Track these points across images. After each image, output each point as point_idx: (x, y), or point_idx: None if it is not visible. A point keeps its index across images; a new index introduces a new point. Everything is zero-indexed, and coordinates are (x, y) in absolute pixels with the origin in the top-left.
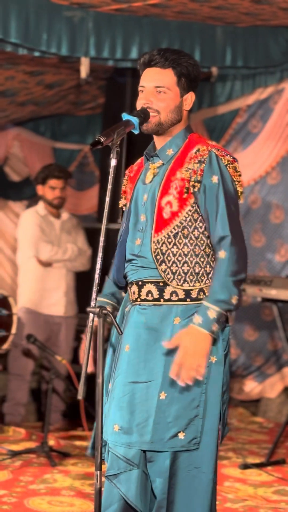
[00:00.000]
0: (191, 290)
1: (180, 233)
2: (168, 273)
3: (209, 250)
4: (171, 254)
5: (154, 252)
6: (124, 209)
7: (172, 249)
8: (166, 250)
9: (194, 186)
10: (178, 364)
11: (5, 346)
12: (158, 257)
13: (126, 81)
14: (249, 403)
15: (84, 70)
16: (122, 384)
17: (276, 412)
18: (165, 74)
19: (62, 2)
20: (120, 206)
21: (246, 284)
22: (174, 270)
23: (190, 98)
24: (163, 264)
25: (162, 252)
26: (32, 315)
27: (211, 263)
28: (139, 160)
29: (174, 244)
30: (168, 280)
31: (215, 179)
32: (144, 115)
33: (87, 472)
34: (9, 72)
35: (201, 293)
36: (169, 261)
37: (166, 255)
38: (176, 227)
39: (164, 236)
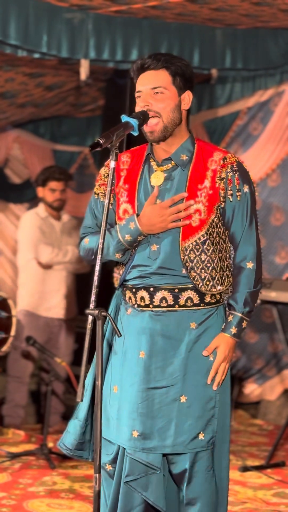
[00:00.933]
0: (206, 295)
1: (208, 240)
2: (197, 280)
3: (226, 254)
4: (199, 261)
5: (183, 259)
6: (110, 207)
7: (201, 256)
8: (195, 257)
9: (232, 196)
10: (216, 369)
11: (5, 348)
12: (187, 264)
13: (126, 83)
14: (249, 405)
15: (84, 72)
16: (138, 390)
17: (276, 414)
18: (160, 75)
19: (62, 4)
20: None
21: None
22: (203, 277)
23: (188, 97)
24: (192, 271)
25: (190, 259)
26: (32, 317)
27: (229, 266)
28: (125, 158)
29: (202, 251)
30: (198, 286)
31: (246, 188)
32: (143, 117)
33: (87, 475)
34: (8, 74)
35: (213, 297)
36: (197, 267)
37: (195, 262)
38: (205, 234)
39: (192, 244)
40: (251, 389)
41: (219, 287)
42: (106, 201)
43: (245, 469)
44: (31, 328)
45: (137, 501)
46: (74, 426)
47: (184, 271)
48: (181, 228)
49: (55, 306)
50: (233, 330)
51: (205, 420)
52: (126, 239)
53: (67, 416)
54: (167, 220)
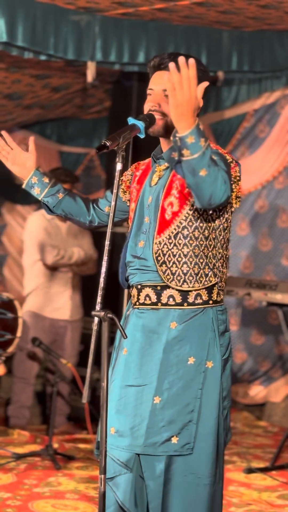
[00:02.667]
0: (189, 292)
1: (180, 233)
2: (168, 274)
3: (208, 251)
4: (171, 255)
5: (156, 253)
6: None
7: (172, 250)
8: (167, 251)
9: None
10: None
11: (11, 349)
12: (159, 258)
13: (133, 85)
14: (254, 407)
15: (90, 74)
16: (118, 387)
17: (281, 416)
18: None
19: (69, 7)
20: (120, 196)
21: (252, 288)
22: (173, 271)
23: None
24: (164, 265)
25: (163, 253)
26: (37, 318)
27: (210, 265)
28: (146, 161)
29: (174, 244)
30: (168, 281)
31: None
32: (149, 120)
33: (92, 476)
34: (15, 75)
35: (198, 298)
36: (169, 262)
37: (166, 256)
38: (176, 227)
39: (166, 237)
40: (257, 391)
41: (192, 284)
42: (112, 203)
43: (250, 471)
44: (37, 329)
45: (113, 500)
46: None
47: (156, 264)
48: (158, 222)
49: (60, 307)
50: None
51: (180, 424)
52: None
53: (72, 417)
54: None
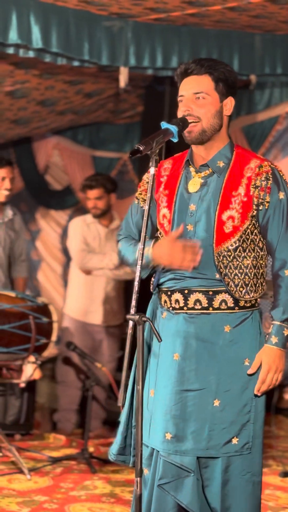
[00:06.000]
0: (243, 299)
1: (240, 247)
2: (231, 286)
3: (262, 262)
4: (232, 267)
5: (217, 265)
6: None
7: (233, 262)
8: (228, 263)
9: (263, 204)
10: (262, 381)
11: (46, 353)
12: (221, 270)
13: (165, 90)
14: None
15: (123, 79)
16: (172, 392)
17: None
18: (203, 80)
19: (102, 13)
20: (142, 206)
21: None
22: (236, 282)
23: (230, 103)
24: (226, 277)
25: (224, 265)
26: (76, 323)
27: (263, 274)
28: (166, 165)
29: (234, 257)
30: (232, 292)
31: (281, 195)
32: (183, 124)
33: (127, 479)
34: (48, 81)
35: (248, 301)
36: (231, 274)
37: (228, 268)
38: (237, 241)
39: (224, 250)
40: None
41: (252, 294)
42: (146, 207)
43: (285, 474)
44: (76, 334)
45: (170, 504)
46: (118, 432)
47: (218, 276)
48: (215, 233)
49: (93, 312)
50: (274, 339)
51: (240, 425)
52: (142, 262)
53: (108, 421)
54: (174, 258)
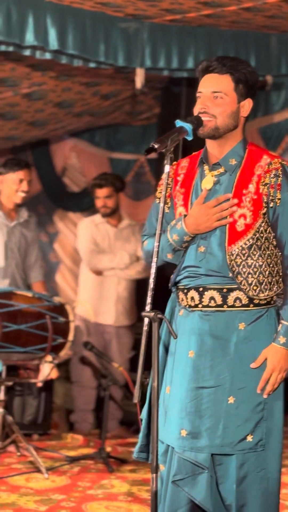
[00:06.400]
0: (257, 298)
1: (254, 245)
2: (244, 284)
3: (276, 259)
4: (246, 266)
5: (230, 264)
6: (166, 210)
7: (247, 261)
8: (241, 262)
9: (273, 201)
10: (265, 380)
11: (63, 353)
12: (233, 269)
13: (181, 91)
14: None
15: (139, 80)
16: (187, 389)
17: None
18: (223, 80)
19: (118, 14)
20: (166, 211)
21: None
22: (250, 281)
23: (247, 105)
24: (239, 276)
25: (237, 264)
26: (86, 323)
27: (279, 272)
28: (183, 163)
29: (249, 255)
30: (245, 291)
31: None
32: (197, 122)
33: (145, 478)
34: (65, 83)
35: (263, 300)
36: (244, 272)
37: (241, 267)
38: (250, 239)
39: (238, 248)
40: None
41: (267, 293)
42: (161, 205)
43: None
44: (86, 334)
45: (184, 501)
46: (141, 430)
47: (230, 274)
48: (227, 232)
49: (105, 313)
50: (282, 339)
51: (254, 422)
52: (174, 239)
53: (125, 422)
54: (211, 219)
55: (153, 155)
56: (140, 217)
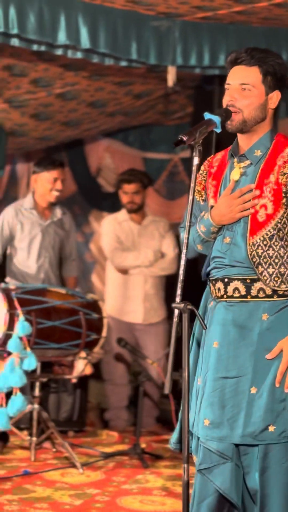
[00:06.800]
0: (279, 289)
1: (276, 235)
2: (265, 275)
3: None
4: (267, 256)
5: (250, 254)
6: (201, 203)
7: (268, 251)
8: (262, 253)
9: None
10: (282, 373)
11: (97, 349)
12: (254, 259)
13: (214, 89)
14: None
15: (171, 78)
16: (212, 379)
17: None
18: (251, 72)
19: (149, 12)
20: (197, 199)
21: None
22: (270, 272)
23: (275, 97)
24: (260, 267)
25: (258, 255)
26: (115, 322)
27: None
28: (219, 156)
29: (270, 246)
30: (266, 282)
31: None
32: (226, 114)
33: (179, 474)
34: (98, 83)
35: (287, 291)
36: (265, 263)
37: (262, 257)
38: (271, 230)
39: (259, 239)
40: None
41: None
42: (190, 197)
43: None
44: (116, 332)
45: (211, 490)
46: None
47: (251, 265)
48: (249, 223)
49: (133, 311)
50: None
51: (276, 413)
52: (202, 230)
53: (161, 419)
54: (234, 211)
55: (186, 154)
56: (174, 216)
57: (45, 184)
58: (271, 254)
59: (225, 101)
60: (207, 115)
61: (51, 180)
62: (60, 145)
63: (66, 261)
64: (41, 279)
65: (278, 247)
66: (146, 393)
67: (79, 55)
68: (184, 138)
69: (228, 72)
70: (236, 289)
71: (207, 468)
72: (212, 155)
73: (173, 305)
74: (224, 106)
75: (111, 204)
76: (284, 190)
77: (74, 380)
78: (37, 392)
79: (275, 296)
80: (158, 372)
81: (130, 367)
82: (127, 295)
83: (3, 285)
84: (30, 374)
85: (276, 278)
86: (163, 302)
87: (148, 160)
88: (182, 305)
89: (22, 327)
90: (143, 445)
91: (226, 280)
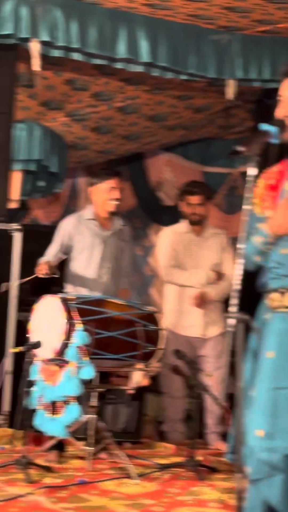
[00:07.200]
0: None
1: None
2: None
3: None
4: None
5: None
6: (259, 214)
7: None
8: None
9: None
10: None
11: (154, 361)
12: None
13: (275, 103)
14: None
15: (230, 91)
16: (265, 390)
17: None
18: None
19: (209, 26)
20: (256, 212)
21: None
22: None
23: None
24: None
25: None
26: (173, 335)
27: None
28: (277, 168)
29: None
30: None
31: None
32: (281, 125)
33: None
34: (158, 96)
35: None
36: None
37: None
38: None
39: None
40: None
41: None
42: (247, 208)
43: None
44: (173, 345)
45: (262, 502)
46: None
47: None
48: None
49: (192, 325)
50: None
51: None
52: (258, 241)
53: (224, 433)
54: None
55: (246, 168)
56: (233, 230)
57: (102, 194)
58: None
59: (281, 113)
60: (264, 126)
61: (107, 189)
62: (121, 159)
63: (120, 274)
64: (101, 289)
65: None
66: (206, 408)
67: (139, 68)
68: (240, 149)
69: (281, 82)
70: None
71: (258, 479)
72: (270, 167)
73: (228, 315)
74: (279, 117)
75: (171, 217)
76: None
77: (131, 391)
78: (94, 402)
79: None
80: (214, 385)
81: (187, 380)
82: (185, 309)
83: (62, 295)
84: (87, 384)
85: None
86: (222, 314)
87: (208, 174)
88: (238, 315)
89: (80, 337)
90: (199, 458)
91: (282, 290)
